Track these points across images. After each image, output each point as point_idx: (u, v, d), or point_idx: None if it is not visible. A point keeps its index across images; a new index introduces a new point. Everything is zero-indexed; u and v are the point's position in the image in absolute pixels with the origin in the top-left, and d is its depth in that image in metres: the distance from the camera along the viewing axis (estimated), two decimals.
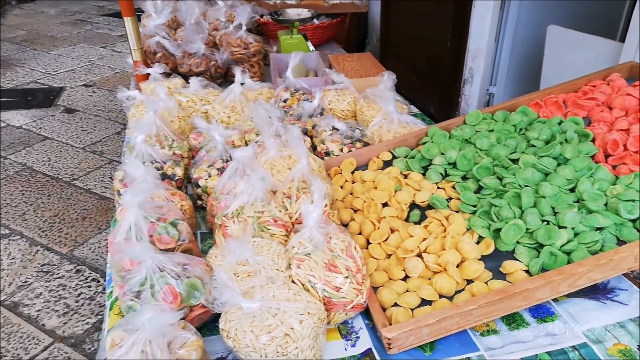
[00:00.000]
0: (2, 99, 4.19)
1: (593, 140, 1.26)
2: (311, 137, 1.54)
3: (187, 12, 2.15)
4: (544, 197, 1.11)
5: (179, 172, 1.29)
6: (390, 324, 0.89)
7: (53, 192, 2.90)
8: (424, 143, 1.43)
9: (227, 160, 1.31)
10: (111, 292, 1.05)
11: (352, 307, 0.93)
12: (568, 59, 2.68)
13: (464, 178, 1.28)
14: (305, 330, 0.82)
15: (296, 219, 1.10)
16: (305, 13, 2.26)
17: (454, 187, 1.25)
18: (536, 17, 3.25)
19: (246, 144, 1.46)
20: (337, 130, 1.50)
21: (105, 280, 2.15)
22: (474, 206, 1.17)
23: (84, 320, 2.01)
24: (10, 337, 1.93)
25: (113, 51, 5.56)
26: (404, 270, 1.03)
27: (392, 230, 1.13)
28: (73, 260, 2.35)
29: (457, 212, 1.17)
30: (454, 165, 1.31)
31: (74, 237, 2.51)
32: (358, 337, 0.93)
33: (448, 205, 1.18)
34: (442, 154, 1.35)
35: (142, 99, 1.66)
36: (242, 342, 0.82)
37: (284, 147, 1.27)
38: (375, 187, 1.29)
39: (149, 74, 1.83)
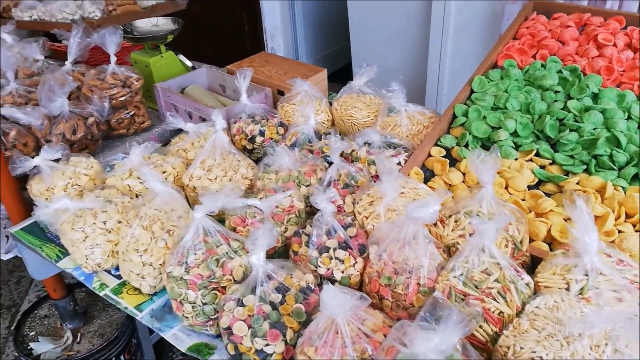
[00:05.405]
0: None
1: (582, 72, 1.40)
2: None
3: (5, 59, 1.38)
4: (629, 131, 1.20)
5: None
6: None
7: None
8: (461, 124, 1.34)
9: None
10: None
11: None
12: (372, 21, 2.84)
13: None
14: None
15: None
16: (163, 23, 1.74)
17: (537, 155, 1.23)
18: None
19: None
20: (370, 144, 1.26)
21: None
22: (571, 165, 1.18)
23: None
24: None
25: None
26: None
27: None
28: None
29: (567, 174, 1.17)
30: (512, 134, 1.28)
31: None
32: None
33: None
34: (493, 127, 1.29)
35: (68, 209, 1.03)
36: None
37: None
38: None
39: (34, 168, 1.14)
